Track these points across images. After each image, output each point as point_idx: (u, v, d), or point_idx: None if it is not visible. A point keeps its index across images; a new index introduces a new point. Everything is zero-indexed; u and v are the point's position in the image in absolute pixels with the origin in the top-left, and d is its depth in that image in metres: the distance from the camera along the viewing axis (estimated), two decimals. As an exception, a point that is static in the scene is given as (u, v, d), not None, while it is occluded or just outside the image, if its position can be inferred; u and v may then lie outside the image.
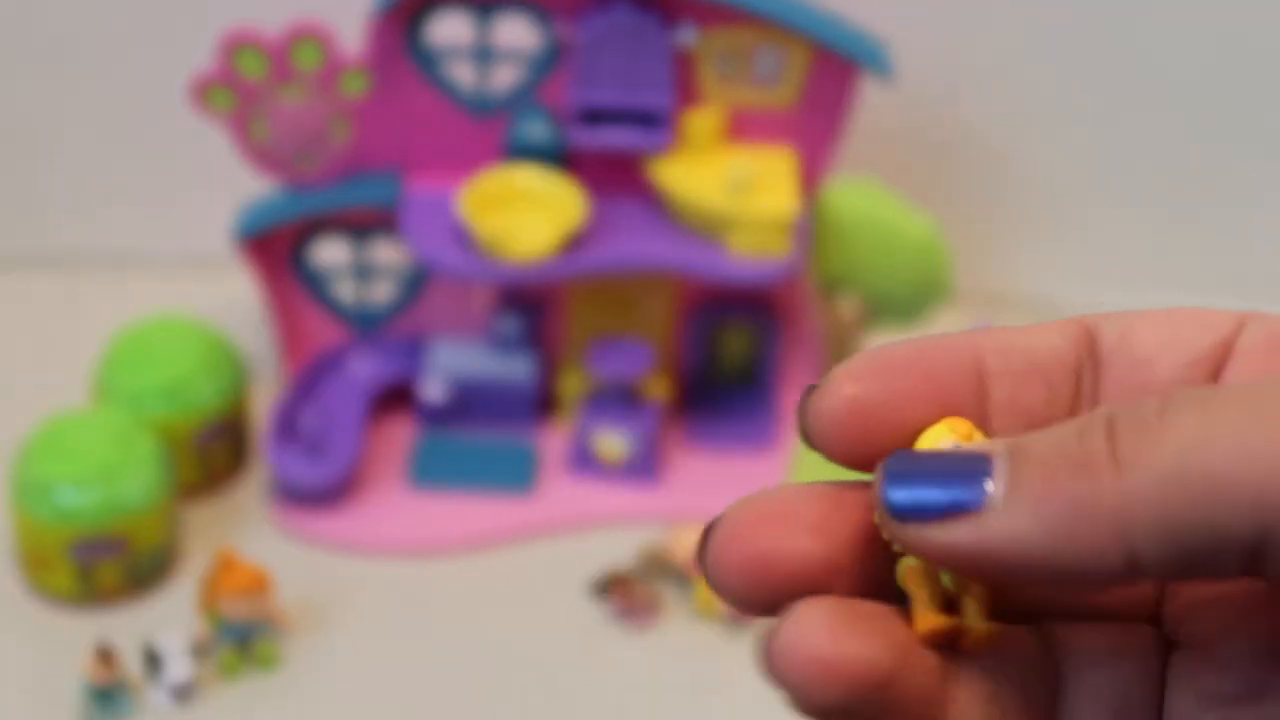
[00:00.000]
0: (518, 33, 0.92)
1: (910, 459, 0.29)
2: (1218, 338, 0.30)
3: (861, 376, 0.29)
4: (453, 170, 0.94)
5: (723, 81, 0.93)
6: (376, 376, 1.01)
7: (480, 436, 1.00)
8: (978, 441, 0.29)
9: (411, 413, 1.01)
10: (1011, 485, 0.27)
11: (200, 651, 0.87)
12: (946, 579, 0.29)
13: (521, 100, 0.93)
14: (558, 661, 0.90)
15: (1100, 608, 0.30)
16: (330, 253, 0.99)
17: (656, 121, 0.92)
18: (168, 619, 0.90)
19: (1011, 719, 0.29)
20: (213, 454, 0.97)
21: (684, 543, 0.92)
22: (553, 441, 1.01)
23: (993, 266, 1.11)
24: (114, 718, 0.85)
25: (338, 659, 0.90)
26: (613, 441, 0.98)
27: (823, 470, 0.30)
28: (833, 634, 0.28)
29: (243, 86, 0.91)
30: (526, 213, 0.92)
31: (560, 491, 0.99)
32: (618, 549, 0.95)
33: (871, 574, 0.29)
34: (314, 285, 1.00)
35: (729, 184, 0.91)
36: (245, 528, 0.96)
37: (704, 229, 0.93)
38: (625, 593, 0.92)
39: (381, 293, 1.01)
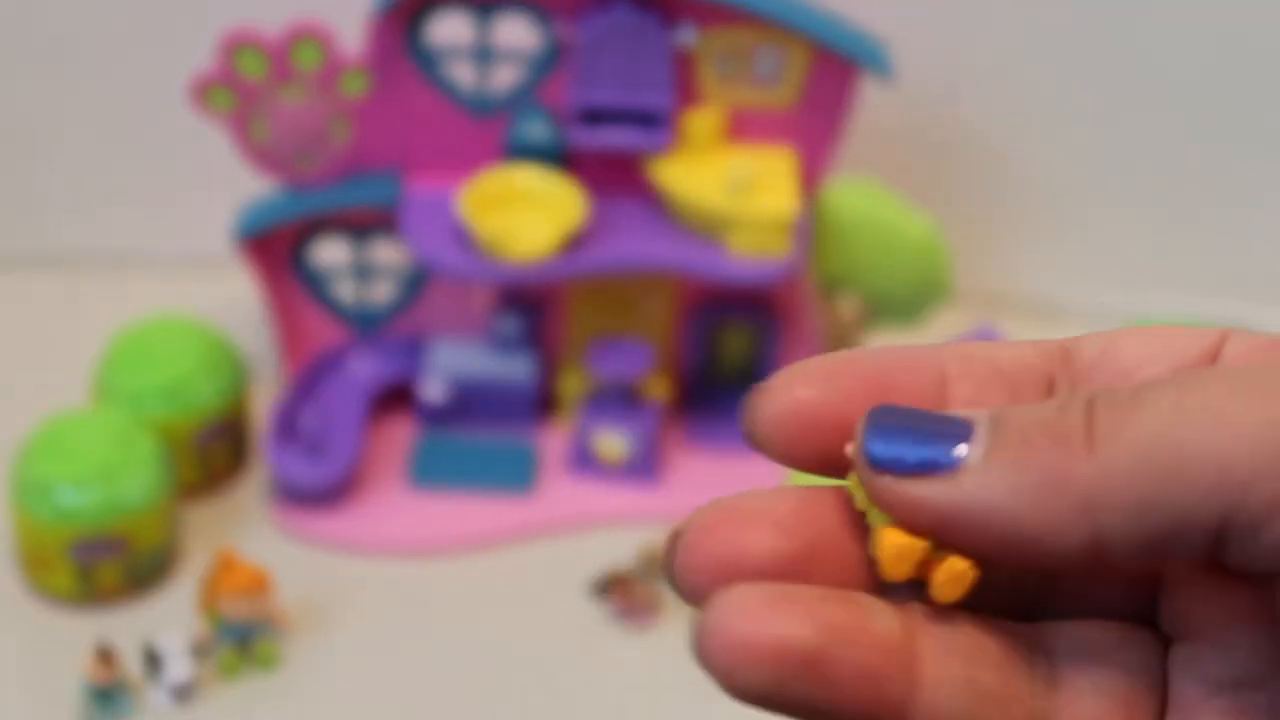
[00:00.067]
0: (518, 33, 0.92)
1: (895, 413, 0.29)
2: (1202, 349, 0.30)
3: (807, 380, 0.30)
4: (453, 170, 0.94)
5: (723, 81, 0.93)
6: (376, 376, 1.01)
7: (480, 436, 1.00)
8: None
9: (411, 413, 1.01)
10: (988, 450, 0.28)
11: (200, 651, 0.87)
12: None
13: (521, 100, 0.93)
14: (558, 661, 0.90)
15: (1098, 606, 0.30)
16: (330, 253, 0.99)
17: (656, 121, 0.92)
18: (168, 619, 0.90)
19: (994, 698, 0.29)
20: (213, 454, 0.97)
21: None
22: (553, 441, 1.01)
23: (993, 266, 1.11)
24: (114, 718, 0.85)
25: (338, 659, 0.90)
26: (613, 441, 0.98)
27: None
28: (757, 615, 0.27)
29: (243, 86, 0.91)
30: (526, 213, 0.92)
31: (560, 491, 0.99)
32: (618, 549, 0.95)
33: (842, 574, 0.29)
34: (314, 285, 1.00)
35: (729, 184, 0.91)
36: (245, 528, 0.96)
37: (704, 229, 0.93)
38: (625, 593, 0.92)
39: (381, 293, 1.01)
